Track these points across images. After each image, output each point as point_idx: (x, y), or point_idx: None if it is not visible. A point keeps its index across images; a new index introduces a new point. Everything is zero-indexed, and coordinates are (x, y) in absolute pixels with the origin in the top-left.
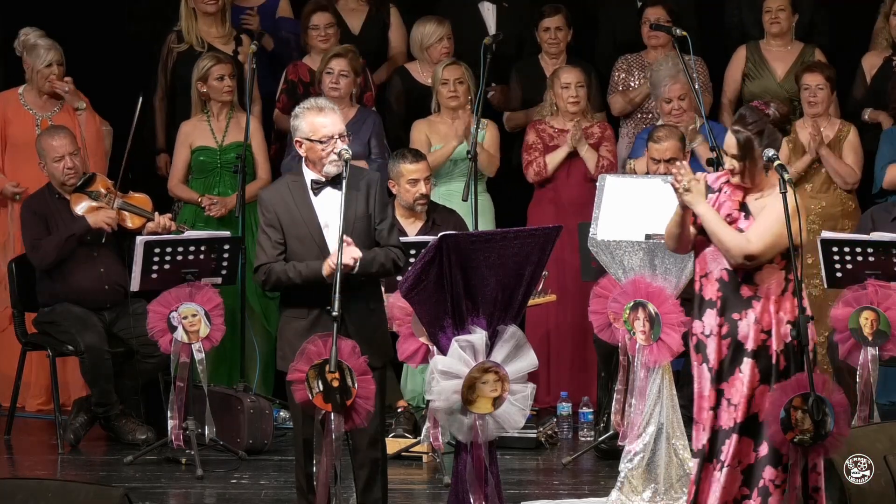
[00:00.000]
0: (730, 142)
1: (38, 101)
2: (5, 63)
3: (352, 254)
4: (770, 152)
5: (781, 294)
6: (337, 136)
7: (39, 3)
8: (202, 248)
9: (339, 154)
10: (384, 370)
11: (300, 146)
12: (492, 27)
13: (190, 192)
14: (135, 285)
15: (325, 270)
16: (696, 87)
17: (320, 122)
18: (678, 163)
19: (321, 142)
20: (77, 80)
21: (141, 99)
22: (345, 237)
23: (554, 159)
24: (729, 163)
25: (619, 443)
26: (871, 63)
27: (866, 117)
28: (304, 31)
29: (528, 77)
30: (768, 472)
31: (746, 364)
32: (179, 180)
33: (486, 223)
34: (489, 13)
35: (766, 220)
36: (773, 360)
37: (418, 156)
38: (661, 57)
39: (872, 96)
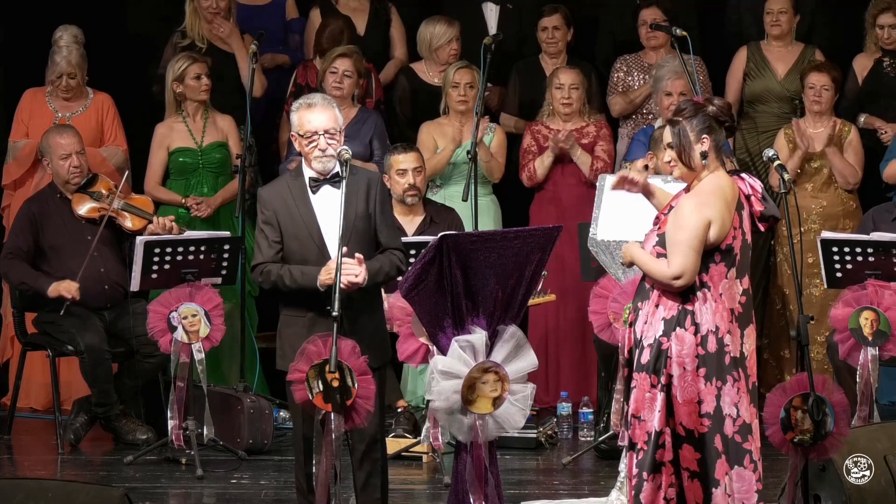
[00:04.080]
0: (666, 132)
1: (59, 99)
2: (5, 63)
3: (360, 274)
4: (770, 152)
5: (685, 292)
6: (322, 132)
7: (41, 1)
8: (202, 248)
9: (338, 154)
10: (384, 370)
11: (295, 140)
12: (493, 28)
13: (170, 194)
14: (135, 285)
15: (321, 281)
16: (697, 88)
17: (307, 118)
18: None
19: (305, 137)
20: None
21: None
22: (356, 255)
23: (542, 164)
24: (667, 154)
25: (619, 443)
26: (862, 64)
27: (861, 123)
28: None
29: (528, 77)
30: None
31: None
32: (157, 182)
33: (491, 225)
34: (491, 13)
35: (672, 234)
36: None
37: (408, 148)
38: (665, 56)
39: (864, 97)
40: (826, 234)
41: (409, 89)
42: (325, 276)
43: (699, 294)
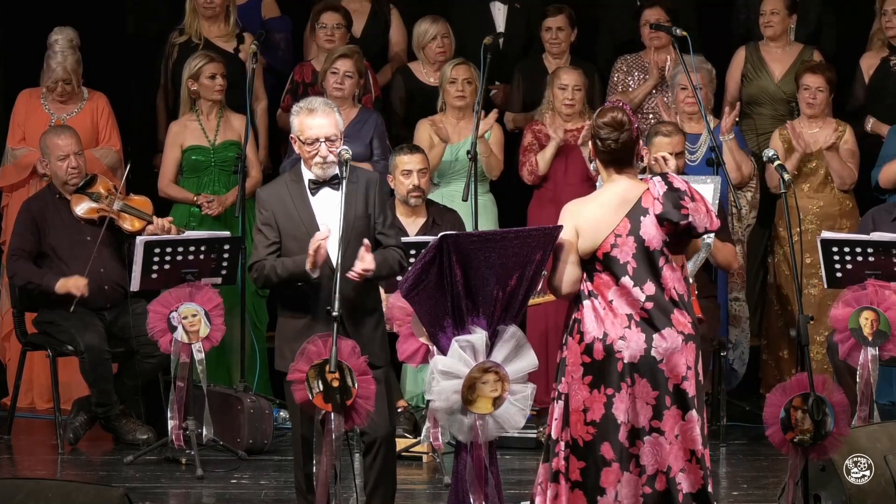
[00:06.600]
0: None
1: (56, 101)
2: (5, 63)
3: (366, 266)
4: (770, 152)
5: (575, 301)
6: (323, 139)
7: (39, 1)
8: (202, 248)
9: (338, 154)
10: (387, 370)
11: (294, 143)
12: (500, 27)
13: (183, 192)
14: (135, 285)
15: (308, 264)
16: (697, 87)
17: (307, 124)
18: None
19: (305, 143)
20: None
21: (129, 165)
22: (364, 242)
23: (544, 157)
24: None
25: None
26: (868, 63)
27: (869, 128)
28: (312, 30)
29: (531, 76)
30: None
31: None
32: (171, 180)
33: (489, 224)
34: (499, 13)
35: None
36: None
37: (414, 149)
38: (673, 57)
39: (872, 97)
40: (826, 234)
41: (406, 89)
42: (312, 246)
43: (586, 303)
